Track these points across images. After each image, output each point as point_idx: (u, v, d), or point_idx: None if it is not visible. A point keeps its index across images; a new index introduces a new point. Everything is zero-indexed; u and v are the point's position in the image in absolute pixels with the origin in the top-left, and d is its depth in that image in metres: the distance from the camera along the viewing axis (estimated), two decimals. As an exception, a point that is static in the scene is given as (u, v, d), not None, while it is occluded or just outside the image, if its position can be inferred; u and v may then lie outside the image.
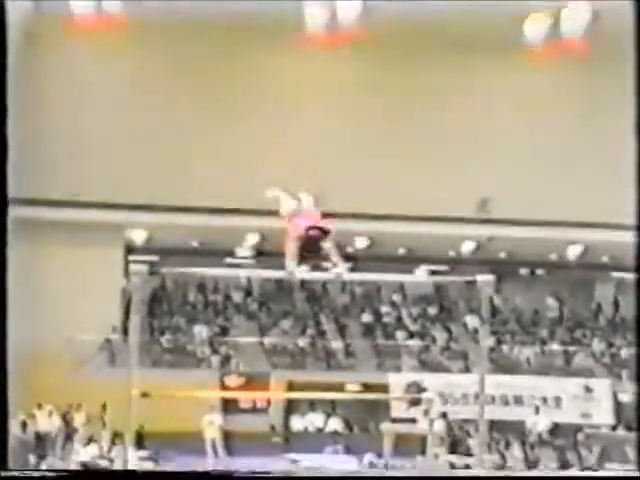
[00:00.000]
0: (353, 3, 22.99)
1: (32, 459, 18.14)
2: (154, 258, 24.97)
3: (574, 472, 9.26)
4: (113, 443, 19.56)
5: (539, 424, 23.24)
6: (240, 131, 24.18)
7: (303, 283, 28.13)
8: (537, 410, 23.59)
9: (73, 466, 17.90)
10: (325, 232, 7.67)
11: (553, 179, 24.67)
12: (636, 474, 5.90)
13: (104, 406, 19.61)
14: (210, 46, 24.05)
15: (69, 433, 20.48)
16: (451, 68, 24.78)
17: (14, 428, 19.17)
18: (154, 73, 24.67)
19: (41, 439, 19.65)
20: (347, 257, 29.14)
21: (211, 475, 5.65)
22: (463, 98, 25.04)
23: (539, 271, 29.77)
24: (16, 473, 5.50)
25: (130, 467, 6.78)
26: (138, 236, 25.78)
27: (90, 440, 19.88)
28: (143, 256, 25.02)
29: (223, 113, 24.32)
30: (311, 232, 7.55)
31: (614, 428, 23.88)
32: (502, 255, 27.95)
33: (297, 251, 7.73)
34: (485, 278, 6.86)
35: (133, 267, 6.60)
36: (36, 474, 5.63)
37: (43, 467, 17.09)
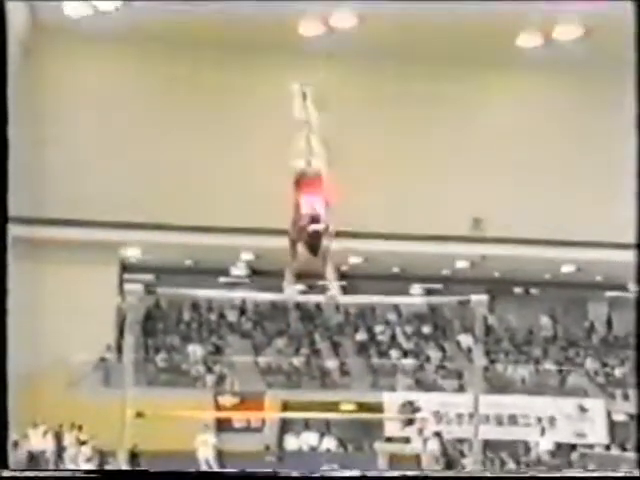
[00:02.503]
0: (347, 15, 23.05)
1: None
2: (149, 277, 25.00)
3: (574, 472, 9.24)
4: (105, 463, 19.50)
5: (542, 444, 23.21)
6: (235, 150, 24.29)
7: (298, 303, 28.16)
8: (542, 430, 23.59)
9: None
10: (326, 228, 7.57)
11: (547, 198, 24.81)
12: (636, 474, 5.92)
13: (98, 426, 19.51)
14: (207, 59, 24.22)
15: (62, 453, 20.40)
16: (445, 84, 24.94)
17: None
18: (151, 91, 24.80)
19: (34, 459, 19.56)
20: (341, 275, 29.15)
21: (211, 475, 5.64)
22: (456, 117, 25.19)
23: (533, 290, 29.85)
24: (16, 473, 5.46)
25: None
26: (133, 254, 25.79)
27: (82, 459, 19.81)
28: (138, 274, 25.08)
29: (220, 131, 24.44)
30: (313, 227, 7.41)
31: (608, 447, 23.90)
32: (496, 274, 28.03)
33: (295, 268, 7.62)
34: (479, 298, 6.88)
35: (128, 286, 6.61)
36: (36, 474, 5.61)
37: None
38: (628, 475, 6.57)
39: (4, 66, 5.89)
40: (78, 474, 5.93)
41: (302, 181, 7.72)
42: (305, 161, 7.66)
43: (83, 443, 20.21)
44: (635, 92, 6.61)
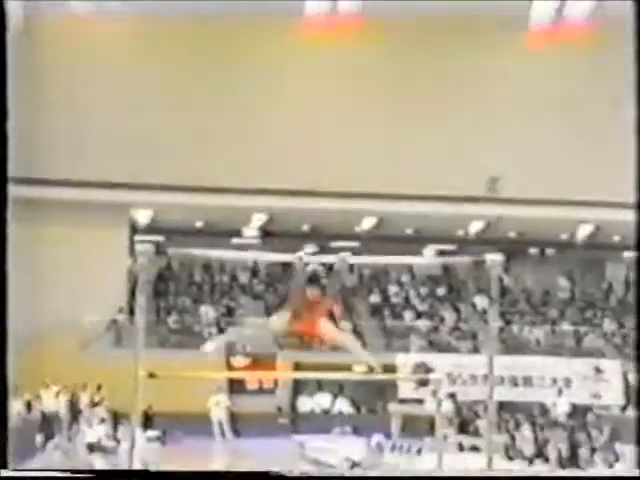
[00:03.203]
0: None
1: (39, 439, 18.20)
2: (159, 238, 25.01)
3: (575, 472, 9.27)
4: (119, 423, 19.65)
5: (559, 406, 23.24)
6: (244, 111, 24.17)
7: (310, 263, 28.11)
8: (559, 392, 23.62)
9: (80, 447, 17.97)
10: None
11: (564, 158, 24.59)
12: (636, 474, 5.89)
13: (111, 387, 19.67)
14: (210, 31, 24.09)
15: (75, 414, 20.55)
16: (460, 50, 24.73)
17: (19, 407, 19.26)
18: (157, 51, 24.67)
19: (47, 419, 19.71)
20: (355, 237, 29.33)
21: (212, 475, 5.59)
22: (472, 78, 24.98)
23: (549, 251, 29.74)
24: (16, 473, 5.43)
25: (137, 448, 6.80)
26: (143, 216, 25.80)
27: (96, 421, 19.95)
28: (148, 236, 25.09)
29: (228, 92, 24.30)
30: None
31: (624, 409, 23.92)
32: (512, 235, 27.91)
33: None
34: (494, 257, 6.81)
35: (139, 247, 6.57)
36: (36, 474, 5.58)
37: (50, 447, 17.16)
38: (628, 475, 6.57)
39: (4, 65, 5.83)
40: (78, 474, 5.92)
41: None
42: None
43: (95, 404, 20.35)
44: (635, 91, 6.53)
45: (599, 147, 24.81)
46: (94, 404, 20.89)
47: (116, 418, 20.04)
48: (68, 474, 5.54)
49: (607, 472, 11.20)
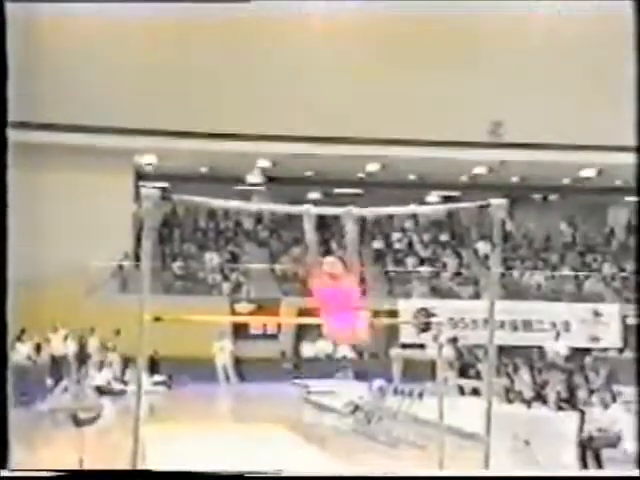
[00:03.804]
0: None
1: (48, 381, 18.43)
2: (164, 185, 25.05)
3: (576, 472, 9.47)
4: (126, 367, 19.88)
5: (556, 349, 23.42)
6: (248, 57, 24.04)
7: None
8: (557, 335, 23.81)
9: (88, 390, 18.18)
10: None
11: (565, 102, 24.49)
12: (636, 474, 6.01)
13: (117, 331, 19.84)
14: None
15: (83, 357, 20.79)
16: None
17: (28, 350, 19.48)
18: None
19: (56, 362, 19.94)
20: (358, 182, 29.30)
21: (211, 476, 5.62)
22: (475, 24, 24.77)
23: (552, 196, 29.75)
24: (16, 473, 5.45)
25: (144, 391, 6.94)
26: (148, 162, 25.81)
27: (104, 364, 20.19)
28: (153, 182, 25.12)
29: (237, 38, 24.17)
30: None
31: (621, 351, 24.16)
32: (514, 180, 27.91)
33: None
34: (498, 202, 6.83)
35: (144, 191, 6.56)
36: (36, 474, 5.61)
37: (58, 390, 17.33)
38: (628, 475, 6.65)
39: (4, 66, 5.79)
40: (78, 474, 5.95)
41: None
42: None
43: (114, 348, 20.54)
44: (635, 91, 6.51)
45: (600, 91, 24.67)
46: (101, 348, 21.11)
47: (123, 362, 20.30)
48: (67, 474, 5.57)
49: (604, 414, 11.41)
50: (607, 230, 29.92)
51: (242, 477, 5.60)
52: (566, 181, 28.00)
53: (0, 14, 5.82)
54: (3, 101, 6.16)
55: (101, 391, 18.21)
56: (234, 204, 10.27)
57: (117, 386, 19.35)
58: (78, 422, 11.35)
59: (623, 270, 27.11)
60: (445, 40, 24.53)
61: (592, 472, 9.81)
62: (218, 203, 8.29)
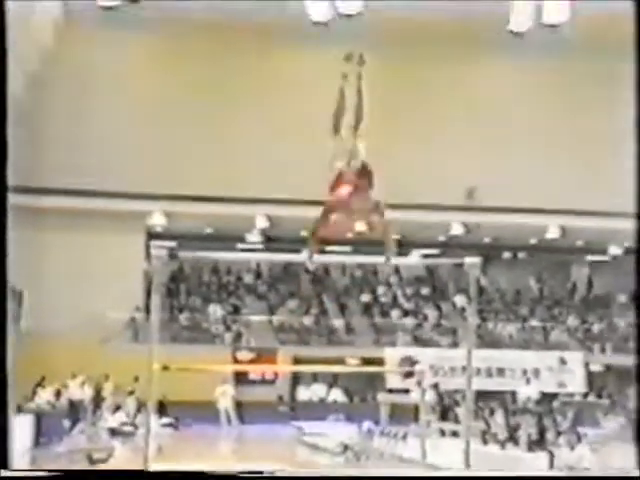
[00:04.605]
0: (354, 3, 22.84)
1: (66, 423, 18.20)
2: (172, 243, 25.01)
3: (577, 472, 9.29)
4: (139, 411, 19.64)
5: (527, 394, 23.25)
6: (250, 127, 24.23)
7: (306, 267, 28.17)
8: (528, 381, 23.71)
9: (102, 432, 17.97)
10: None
11: (533, 169, 24.71)
12: (636, 474, 5.82)
13: (136, 378, 19.63)
14: (218, 43, 24.17)
15: (98, 402, 20.55)
16: (437, 63, 24.77)
17: (48, 395, 19.26)
18: (169, 67, 24.77)
19: (73, 406, 19.70)
20: (347, 242, 29.17)
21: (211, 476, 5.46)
22: (451, 97, 25.05)
23: (521, 254, 29.78)
24: (16, 473, 5.27)
25: (153, 432, 6.85)
26: (158, 223, 25.81)
27: (117, 408, 19.94)
28: (163, 241, 25.09)
29: (235, 109, 24.39)
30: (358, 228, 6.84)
31: (586, 395, 24.00)
32: (487, 240, 27.94)
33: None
34: (473, 260, 6.82)
35: (154, 252, 6.59)
36: (36, 474, 5.44)
37: (76, 431, 17.14)
38: (628, 475, 6.47)
39: (4, 63, 5.70)
40: (78, 474, 5.81)
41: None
42: (346, 162, 6.94)
43: (131, 393, 20.25)
44: (635, 91, 6.42)
45: (564, 159, 24.91)
46: (114, 393, 20.86)
47: (136, 406, 20.06)
48: (67, 474, 5.40)
49: (571, 454, 11.28)
50: (570, 285, 29.92)
51: (242, 477, 5.47)
52: (533, 241, 28.04)
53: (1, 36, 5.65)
54: (2, 169, 5.95)
55: (114, 432, 17.98)
56: (233, 256, 10.25)
57: (128, 428, 19.09)
58: (92, 461, 11.20)
59: (585, 321, 27.07)
60: (430, 113, 24.80)
61: (592, 472, 9.58)
62: (218, 256, 8.28)
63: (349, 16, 23.03)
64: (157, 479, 5.52)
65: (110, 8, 22.76)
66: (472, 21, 23.14)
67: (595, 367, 24.67)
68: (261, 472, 5.55)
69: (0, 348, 5.52)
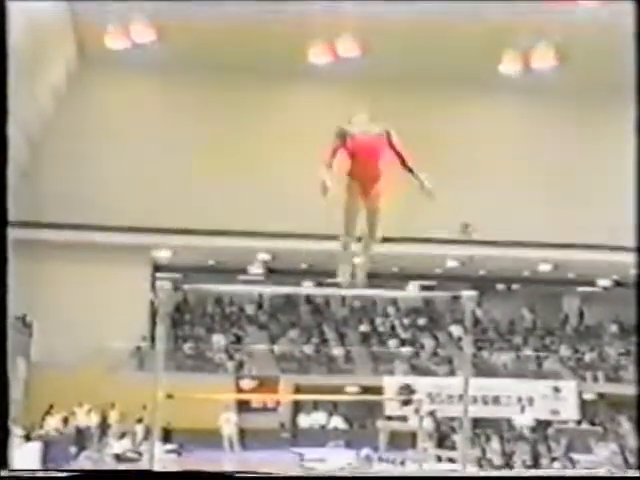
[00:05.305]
0: (352, 43, 23.16)
1: (72, 450, 18.09)
2: (177, 275, 25.01)
3: (578, 471, 9.19)
4: (145, 438, 19.53)
5: (524, 420, 23.14)
6: (253, 162, 24.39)
7: (308, 298, 28.16)
8: (522, 409, 23.60)
9: (108, 458, 17.85)
10: None
11: (525, 205, 24.78)
12: (636, 474, 5.71)
13: (144, 406, 19.53)
14: (228, 82, 24.47)
15: (104, 429, 20.43)
16: (435, 100, 24.98)
17: (56, 423, 19.16)
18: (178, 105, 25.00)
19: (81, 433, 19.60)
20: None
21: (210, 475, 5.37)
22: (446, 131, 25.22)
23: (514, 286, 29.77)
24: (16, 473, 5.19)
25: (157, 459, 6.81)
26: (163, 256, 25.84)
27: (123, 435, 19.82)
28: (167, 274, 25.09)
29: (237, 144, 24.59)
30: None
31: (579, 423, 23.86)
32: (482, 272, 27.96)
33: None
34: (469, 293, 6.87)
35: (159, 284, 6.62)
36: (36, 474, 5.36)
37: (82, 457, 17.03)
38: (628, 475, 6.38)
39: (4, 66, 5.53)
40: (78, 474, 5.74)
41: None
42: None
43: (140, 420, 20.12)
44: (635, 93, 6.32)
45: (556, 196, 25.01)
46: (120, 421, 20.73)
47: (141, 432, 19.95)
48: (67, 474, 5.32)
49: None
50: (562, 316, 29.87)
51: (242, 477, 5.39)
52: (526, 273, 28.05)
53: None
54: (3, 203, 5.70)
55: (119, 458, 17.85)
56: (236, 288, 10.27)
57: (133, 455, 18.96)
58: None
59: (577, 351, 26.99)
60: (420, 151, 24.88)
61: (592, 472, 9.44)
62: (221, 288, 8.29)
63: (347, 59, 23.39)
64: (157, 479, 5.46)
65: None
66: (467, 61, 23.48)
67: (588, 395, 24.55)
68: (262, 472, 5.49)
69: (1, 344, 5.47)
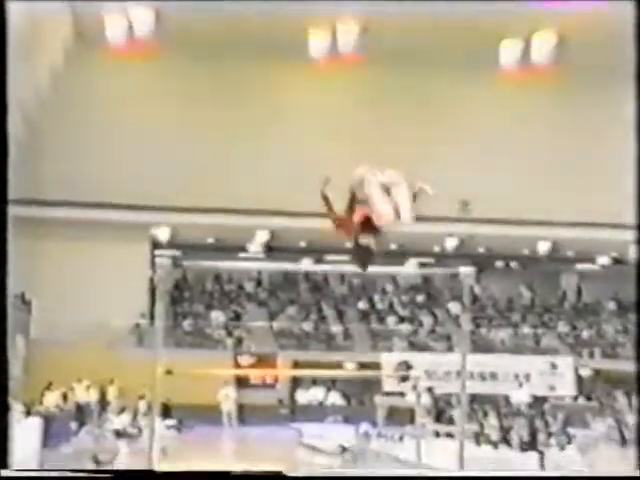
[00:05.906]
0: (352, 29, 23.12)
1: (73, 426, 18.19)
2: (176, 253, 25.03)
3: (577, 472, 9.31)
4: (145, 414, 19.62)
5: (522, 396, 23.27)
6: (252, 142, 24.34)
7: (307, 275, 28.20)
8: (520, 385, 23.74)
9: (108, 433, 17.95)
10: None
11: (525, 182, 24.77)
12: (636, 474, 5.78)
13: (132, 382, 19.64)
14: (231, 65, 24.41)
15: (104, 404, 20.53)
16: (437, 81, 24.93)
17: (56, 399, 19.26)
18: (180, 86, 24.95)
19: (80, 409, 19.69)
20: (345, 251, 29.10)
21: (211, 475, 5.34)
22: (448, 110, 25.18)
23: (513, 264, 29.82)
24: (16, 473, 5.18)
25: (157, 434, 6.86)
26: (163, 234, 25.84)
27: (122, 410, 19.92)
28: (167, 251, 25.13)
29: (238, 124, 24.54)
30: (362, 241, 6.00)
31: (575, 398, 24.01)
32: (481, 250, 27.98)
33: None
34: (467, 270, 6.88)
35: (158, 261, 6.64)
36: (37, 474, 5.37)
37: (82, 433, 17.11)
38: (628, 475, 6.42)
39: (4, 65, 5.61)
40: (79, 474, 5.75)
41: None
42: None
43: (142, 397, 20.19)
44: (635, 92, 6.38)
45: (556, 175, 25.00)
46: (119, 396, 20.83)
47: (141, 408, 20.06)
48: (67, 474, 5.34)
49: (561, 454, 11.29)
50: (560, 293, 29.94)
51: (242, 477, 5.38)
52: (525, 251, 28.08)
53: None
54: (3, 182, 5.78)
55: (119, 434, 17.95)
56: (234, 264, 10.29)
57: (133, 430, 19.07)
58: (98, 462, 11.19)
59: (575, 328, 27.10)
60: (429, 129, 24.93)
61: (592, 472, 9.55)
62: (222, 265, 8.33)
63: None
64: (157, 479, 5.46)
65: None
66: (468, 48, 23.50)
67: (584, 371, 24.68)
68: (263, 472, 5.48)
69: (1, 354, 5.51)
